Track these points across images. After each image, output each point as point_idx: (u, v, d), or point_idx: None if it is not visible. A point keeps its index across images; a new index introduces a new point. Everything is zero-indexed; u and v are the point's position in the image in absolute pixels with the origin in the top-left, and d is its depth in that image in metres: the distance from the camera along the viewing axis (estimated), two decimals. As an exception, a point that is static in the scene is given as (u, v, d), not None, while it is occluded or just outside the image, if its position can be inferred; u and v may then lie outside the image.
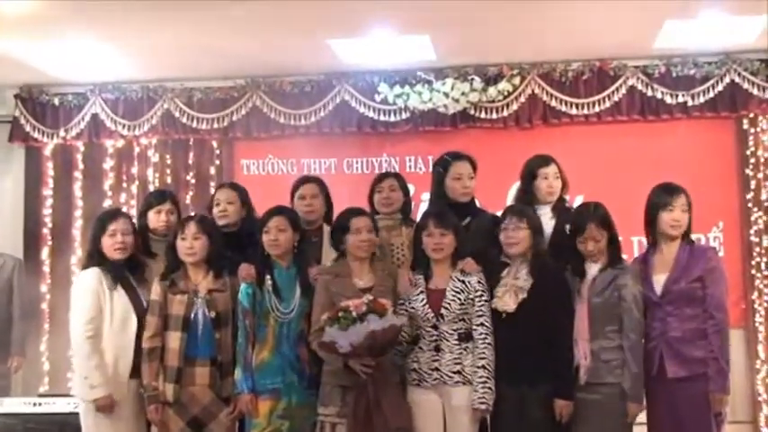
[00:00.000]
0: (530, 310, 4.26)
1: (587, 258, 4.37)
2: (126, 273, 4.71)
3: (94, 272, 4.63)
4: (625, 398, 4.22)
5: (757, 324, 7.03)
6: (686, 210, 4.40)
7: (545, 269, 4.34)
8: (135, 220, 5.06)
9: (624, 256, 4.55)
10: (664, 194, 4.45)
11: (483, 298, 4.34)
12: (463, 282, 4.35)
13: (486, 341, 4.29)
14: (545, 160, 4.95)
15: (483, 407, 4.25)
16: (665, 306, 4.31)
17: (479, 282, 4.36)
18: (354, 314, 4.12)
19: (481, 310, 4.32)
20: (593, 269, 4.36)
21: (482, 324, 4.31)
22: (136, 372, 4.57)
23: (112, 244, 4.65)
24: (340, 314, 4.14)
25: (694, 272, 4.30)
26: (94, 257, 4.69)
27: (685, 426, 4.23)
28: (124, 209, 7.41)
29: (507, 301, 4.31)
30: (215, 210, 5.02)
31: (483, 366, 4.26)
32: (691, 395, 4.23)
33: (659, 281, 4.35)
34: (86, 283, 4.62)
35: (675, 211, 4.38)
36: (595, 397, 4.23)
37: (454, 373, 4.29)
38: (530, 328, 4.24)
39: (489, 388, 4.24)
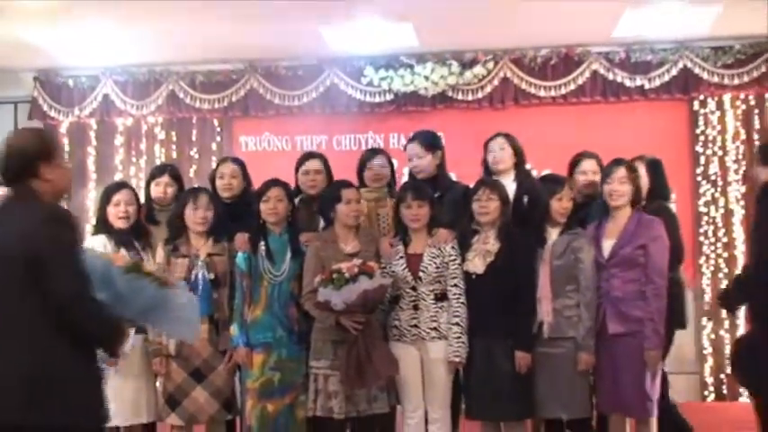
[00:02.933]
0: (497, 271, 4.26)
1: (555, 219, 4.34)
2: (131, 239, 4.68)
3: (100, 238, 4.59)
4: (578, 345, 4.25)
5: (704, 286, 7.08)
6: (625, 181, 4.34)
7: (511, 235, 4.34)
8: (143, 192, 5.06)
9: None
10: (606, 168, 4.46)
11: (456, 262, 4.34)
12: (438, 247, 4.36)
13: (460, 300, 4.31)
14: (493, 136, 4.93)
15: (457, 359, 4.27)
16: (611, 268, 4.29)
17: (453, 247, 4.36)
18: (347, 275, 4.12)
19: (455, 273, 4.33)
20: (553, 234, 4.35)
21: (456, 285, 4.32)
22: (142, 327, 4.55)
23: (116, 213, 4.61)
24: (333, 276, 4.14)
25: (639, 240, 4.27)
26: (100, 225, 4.67)
27: (622, 376, 4.23)
28: (133, 182, 7.40)
29: (477, 264, 4.31)
30: (219, 182, 4.97)
31: (457, 323, 4.27)
32: (627, 350, 4.22)
33: (607, 246, 4.33)
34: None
35: (614, 183, 4.34)
36: (558, 350, 4.24)
37: (431, 329, 4.30)
38: (497, 288, 4.24)
39: (463, 342, 4.26)
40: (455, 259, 4.34)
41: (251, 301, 4.46)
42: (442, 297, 4.33)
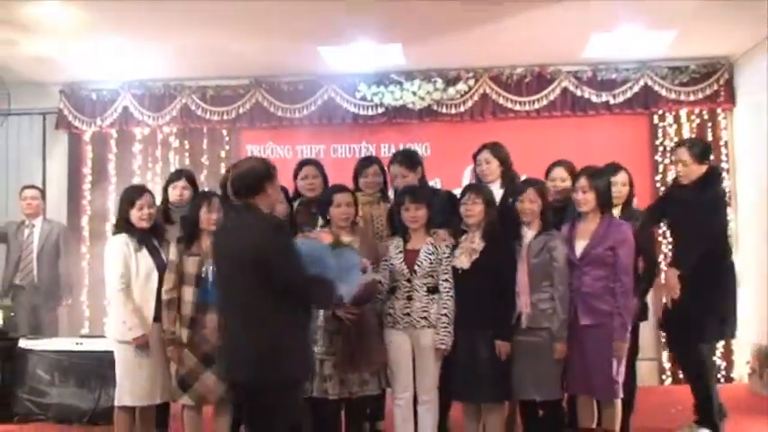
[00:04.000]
0: (480, 267, 4.26)
1: (523, 220, 4.35)
2: (150, 237, 4.64)
3: (122, 237, 4.55)
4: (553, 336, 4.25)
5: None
6: (587, 190, 4.33)
7: (495, 234, 4.33)
8: (160, 195, 5.04)
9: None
10: (575, 179, 4.47)
11: (449, 259, 4.34)
12: (434, 245, 4.36)
13: (449, 294, 4.30)
14: (480, 148, 4.92)
15: (443, 347, 4.26)
16: (583, 267, 4.29)
17: (448, 246, 4.37)
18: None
19: (447, 269, 4.33)
20: (528, 234, 4.34)
21: (446, 280, 4.32)
22: (159, 317, 4.54)
23: (140, 215, 4.57)
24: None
25: (608, 241, 4.27)
26: (122, 225, 4.60)
27: (591, 363, 4.25)
28: (149, 185, 7.37)
29: (463, 260, 4.31)
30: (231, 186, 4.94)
31: (445, 314, 4.27)
32: (595, 339, 4.24)
33: (580, 246, 4.33)
34: (116, 247, 4.54)
35: (578, 192, 4.37)
36: (534, 339, 4.24)
37: (422, 318, 4.29)
38: (480, 283, 4.24)
39: (449, 332, 4.26)
40: (448, 257, 4.35)
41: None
42: (433, 290, 4.32)
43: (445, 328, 4.26)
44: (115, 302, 4.52)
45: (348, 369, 4.23)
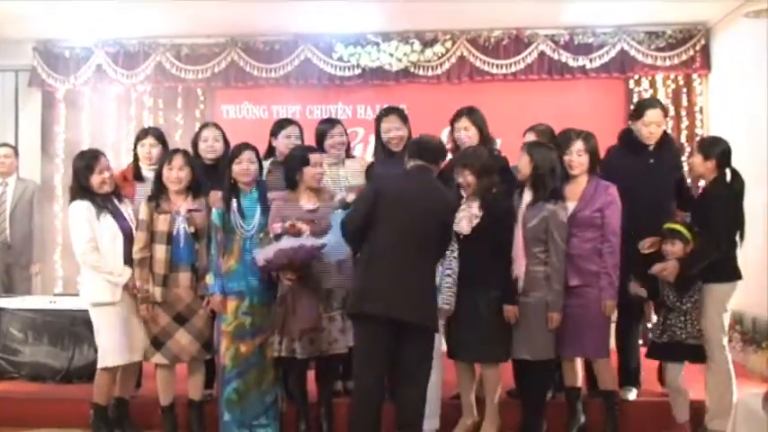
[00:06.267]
0: (481, 232, 4.26)
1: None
2: (111, 200, 4.60)
3: (84, 203, 4.50)
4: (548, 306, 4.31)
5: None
6: (582, 153, 4.40)
7: (492, 203, 4.30)
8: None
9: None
10: (564, 139, 4.49)
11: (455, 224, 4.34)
12: None
13: (453, 255, 4.31)
14: (456, 114, 4.88)
15: (447, 307, 4.28)
16: (572, 229, 4.34)
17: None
18: (271, 235, 4.24)
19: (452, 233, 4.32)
20: (526, 197, 4.36)
21: (451, 242, 4.30)
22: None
23: (101, 179, 4.52)
24: (261, 235, 4.30)
25: (596, 203, 4.35)
26: (81, 192, 4.54)
27: (580, 322, 4.33)
28: (123, 144, 7.34)
29: (464, 226, 4.31)
30: (203, 145, 4.92)
31: (449, 275, 4.29)
32: (584, 299, 4.34)
33: (568, 208, 4.38)
34: (79, 212, 4.50)
35: (572, 155, 4.41)
36: (528, 300, 4.28)
37: None
38: (482, 246, 4.26)
39: (453, 293, 4.28)
40: (455, 221, 4.32)
41: (225, 252, 4.45)
42: None
43: (449, 288, 4.28)
44: (90, 265, 4.50)
45: (282, 331, 4.31)
